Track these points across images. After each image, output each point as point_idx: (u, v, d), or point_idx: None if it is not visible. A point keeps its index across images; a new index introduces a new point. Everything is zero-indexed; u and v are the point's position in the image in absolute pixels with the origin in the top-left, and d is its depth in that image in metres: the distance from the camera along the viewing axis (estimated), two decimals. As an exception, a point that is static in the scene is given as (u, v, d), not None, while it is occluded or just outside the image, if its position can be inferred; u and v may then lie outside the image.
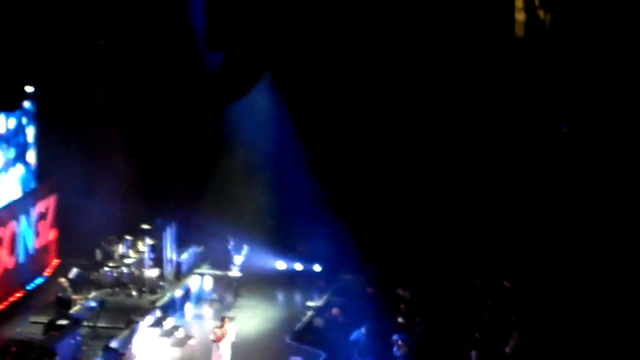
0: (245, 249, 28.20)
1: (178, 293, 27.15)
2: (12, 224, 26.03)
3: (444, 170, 32.05)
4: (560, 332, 24.77)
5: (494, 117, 31.18)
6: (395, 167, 32.25)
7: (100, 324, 24.32)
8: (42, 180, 27.66)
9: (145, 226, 27.32)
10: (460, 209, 31.71)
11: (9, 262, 25.88)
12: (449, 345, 25.28)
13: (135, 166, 29.21)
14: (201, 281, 28.35)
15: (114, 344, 22.00)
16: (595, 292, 26.68)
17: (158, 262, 27.12)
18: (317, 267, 30.09)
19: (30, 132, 27.09)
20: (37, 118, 27.20)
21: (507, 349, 24.07)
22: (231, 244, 28.17)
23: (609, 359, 23.35)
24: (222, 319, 23.43)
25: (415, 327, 26.10)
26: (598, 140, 30.12)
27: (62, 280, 25.12)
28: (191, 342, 24.86)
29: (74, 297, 24.91)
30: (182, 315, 26.83)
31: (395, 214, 32.05)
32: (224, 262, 28.36)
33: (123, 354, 22.32)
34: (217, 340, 22.75)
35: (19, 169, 26.66)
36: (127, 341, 23.66)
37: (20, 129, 26.61)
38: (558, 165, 30.99)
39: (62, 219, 28.32)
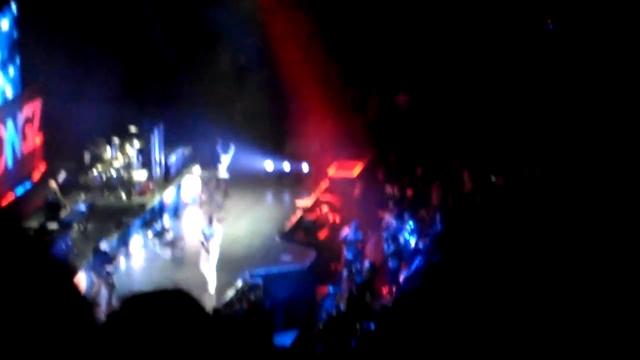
0: (232, 149, 28.19)
1: (167, 195, 27.20)
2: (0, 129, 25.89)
3: (436, 62, 31.99)
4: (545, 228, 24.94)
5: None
6: (385, 57, 32.13)
7: (90, 227, 24.40)
8: (28, 84, 27.42)
9: (133, 128, 27.22)
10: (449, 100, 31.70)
11: (-3, 167, 25.80)
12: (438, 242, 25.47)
13: (122, 68, 28.94)
14: (190, 182, 28.40)
15: (103, 246, 22.05)
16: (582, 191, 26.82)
17: (146, 164, 27.08)
18: (305, 167, 30.10)
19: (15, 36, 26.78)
20: (21, 21, 26.87)
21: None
22: (219, 145, 28.14)
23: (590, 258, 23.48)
24: (210, 220, 23.49)
25: (403, 223, 26.26)
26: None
27: (52, 183, 25.09)
28: (181, 243, 24.99)
29: (63, 201, 24.93)
30: (172, 217, 26.90)
31: (382, 112, 32.02)
32: (213, 164, 28.38)
33: (113, 257, 22.43)
34: (205, 244, 22.83)
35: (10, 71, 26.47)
36: (117, 243, 23.80)
37: (10, 31, 26.30)
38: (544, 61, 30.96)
39: (49, 123, 28.16)
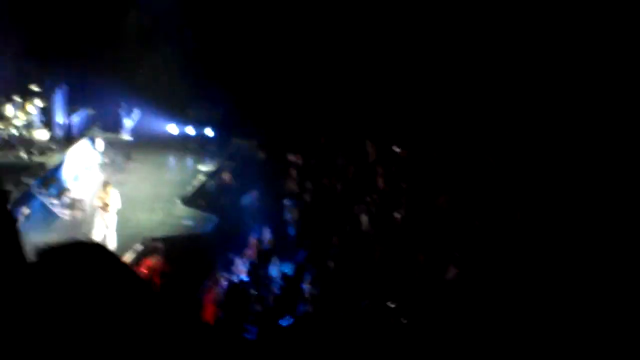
0: (136, 113, 27.97)
1: (68, 156, 26.87)
2: None
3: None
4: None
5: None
6: (284, 31, 32.09)
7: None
8: None
9: (34, 87, 26.80)
10: (351, 70, 31.80)
11: None
12: (339, 210, 25.67)
13: (25, 24, 28.44)
14: (92, 144, 28.10)
15: None
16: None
17: (48, 124, 26.70)
18: (209, 132, 30.01)
19: None
20: None
21: (396, 215, 24.54)
22: (122, 108, 27.90)
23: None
24: (105, 185, 23.15)
25: (305, 192, 26.41)
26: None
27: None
28: (80, 204, 24.74)
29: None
30: (72, 178, 26.61)
31: (288, 80, 32.00)
32: (115, 126, 28.13)
33: (15, 219, 22.07)
34: (103, 207, 22.60)
35: None
36: (16, 202, 23.46)
37: None
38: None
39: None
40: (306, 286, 22.30)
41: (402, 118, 29.82)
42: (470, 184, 25.80)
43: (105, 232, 22.70)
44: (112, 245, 22.67)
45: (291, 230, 25.34)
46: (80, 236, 22.48)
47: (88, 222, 23.78)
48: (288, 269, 24.02)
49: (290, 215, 25.51)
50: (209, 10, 31.06)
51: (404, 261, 22.43)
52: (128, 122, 27.90)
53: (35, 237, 23.49)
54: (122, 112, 27.91)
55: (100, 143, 28.23)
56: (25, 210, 23.51)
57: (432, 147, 28.14)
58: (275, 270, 23.45)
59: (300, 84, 31.89)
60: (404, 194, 25.19)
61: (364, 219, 24.50)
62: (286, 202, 25.81)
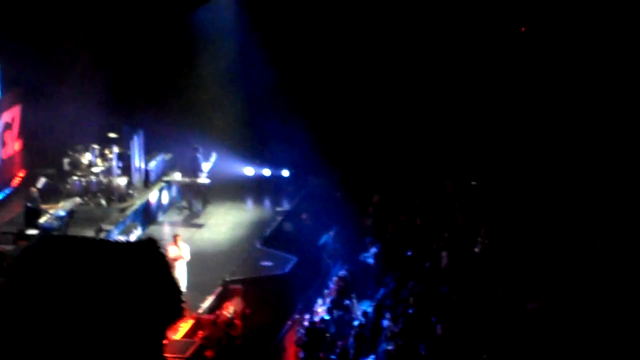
0: (213, 156, 28.16)
1: (146, 201, 27.13)
2: (-22, 135, 25.82)
3: (413, 73, 31.96)
4: (527, 232, 25.05)
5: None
6: (362, 68, 32.09)
7: (69, 233, 24.27)
8: (7, 90, 27.33)
9: (112, 134, 27.14)
10: (427, 109, 31.69)
11: (-23, 174, 25.72)
12: (419, 247, 25.53)
13: (102, 74, 28.82)
14: (170, 189, 28.36)
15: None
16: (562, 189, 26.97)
17: (126, 170, 27.00)
18: (285, 172, 30.08)
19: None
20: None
21: (476, 249, 24.34)
22: (199, 152, 28.11)
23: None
24: (175, 237, 23.02)
25: (385, 231, 26.33)
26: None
27: (33, 189, 25.03)
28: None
29: (43, 206, 24.85)
30: (151, 223, 26.85)
31: (365, 118, 31.97)
32: (193, 170, 28.33)
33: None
34: (174, 259, 22.43)
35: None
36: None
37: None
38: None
39: (28, 130, 28.08)
40: (387, 324, 22.17)
41: (479, 152, 29.62)
42: (547, 215, 25.50)
43: (181, 278, 22.61)
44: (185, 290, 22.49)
45: (370, 269, 25.25)
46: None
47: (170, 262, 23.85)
48: (368, 307, 23.92)
49: (369, 253, 25.44)
50: (282, 49, 31.23)
51: (484, 295, 22.20)
52: (205, 166, 28.08)
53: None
54: (199, 155, 28.10)
55: (177, 188, 28.48)
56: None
57: (507, 180, 27.93)
58: (355, 308, 23.38)
59: (376, 121, 31.83)
60: (482, 228, 24.98)
61: (444, 254, 24.33)
62: (365, 240, 25.76)
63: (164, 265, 2.52)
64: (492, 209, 26.23)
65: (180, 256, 22.42)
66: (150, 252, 2.50)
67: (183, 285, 22.24)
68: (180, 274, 22.32)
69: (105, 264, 2.41)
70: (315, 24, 31.37)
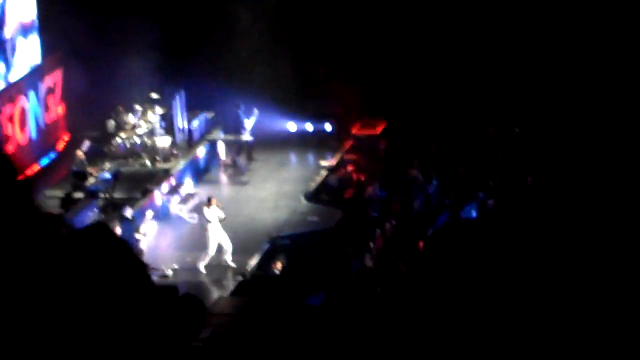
0: (255, 113, 28.15)
1: (191, 159, 27.21)
2: (22, 100, 25.99)
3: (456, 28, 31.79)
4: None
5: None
6: (404, 16, 31.93)
7: (116, 195, 24.46)
8: (48, 54, 27.46)
9: (154, 95, 27.19)
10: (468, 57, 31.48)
11: (22, 139, 25.93)
12: (464, 195, 25.44)
13: (142, 35, 28.80)
14: (214, 147, 28.41)
15: (129, 213, 22.09)
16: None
17: (169, 130, 27.07)
18: (327, 126, 30.01)
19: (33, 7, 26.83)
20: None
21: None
22: (242, 109, 28.11)
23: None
24: (209, 200, 22.88)
25: (428, 180, 26.22)
26: None
27: (78, 153, 25.19)
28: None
29: (88, 169, 25.02)
30: (197, 182, 26.95)
31: (408, 68, 31.80)
32: (235, 127, 28.36)
33: (140, 224, 22.48)
34: (210, 221, 22.43)
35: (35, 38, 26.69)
36: (144, 210, 23.86)
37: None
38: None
39: (71, 93, 28.23)
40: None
41: (521, 99, 29.39)
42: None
43: (219, 242, 22.57)
44: (228, 252, 22.53)
45: (416, 219, 25.20)
46: (205, 237, 22.67)
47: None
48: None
49: (415, 204, 25.38)
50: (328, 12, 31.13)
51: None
52: (248, 123, 28.08)
53: (165, 242, 23.90)
54: (241, 112, 28.09)
55: (221, 145, 28.52)
56: (153, 217, 23.86)
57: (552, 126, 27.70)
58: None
59: (418, 71, 31.66)
60: (527, 174, 24.85)
61: (490, 202, 24.24)
62: (413, 190, 25.67)
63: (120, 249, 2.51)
64: (536, 155, 26.03)
65: (215, 218, 22.42)
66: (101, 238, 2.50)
67: (227, 244, 22.46)
68: (218, 236, 22.40)
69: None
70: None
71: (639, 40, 29.54)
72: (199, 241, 22.82)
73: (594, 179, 24.45)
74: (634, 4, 29.82)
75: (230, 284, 21.67)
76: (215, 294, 21.17)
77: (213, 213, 22.43)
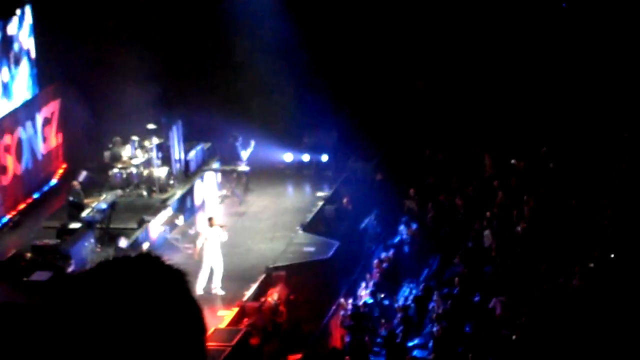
0: (252, 144, 28.18)
1: (188, 191, 27.21)
2: (18, 131, 26.01)
3: (449, 52, 31.91)
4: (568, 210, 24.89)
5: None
6: (397, 52, 32.08)
7: (112, 226, 24.43)
8: (45, 85, 27.52)
9: (151, 126, 27.22)
10: (464, 89, 31.60)
11: (17, 169, 25.94)
12: (461, 227, 25.45)
13: (139, 68, 28.86)
14: (210, 178, 28.41)
15: (124, 243, 22.09)
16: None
17: (166, 160, 27.08)
18: (324, 157, 30.03)
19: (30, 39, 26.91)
20: (37, 22, 26.97)
21: (518, 228, 24.21)
22: (239, 140, 28.13)
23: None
24: (210, 220, 23.19)
25: (425, 211, 26.25)
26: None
27: (74, 183, 25.19)
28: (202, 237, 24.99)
29: (85, 200, 25.00)
30: (193, 213, 26.94)
31: (403, 100, 31.92)
32: (232, 158, 28.38)
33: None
34: (210, 241, 22.65)
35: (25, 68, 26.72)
36: (140, 240, 23.84)
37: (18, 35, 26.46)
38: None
39: (68, 124, 28.26)
40: (432, 305, 22.12)
41: (518, 129, 29.43)
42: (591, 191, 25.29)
43: (212, 265, 22.70)
44: (218, 277, 22.62)
45: (413, 250, 25.20)
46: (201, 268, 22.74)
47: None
48: (413, 288, 23.89)
49: (411, 235, 25.39)
50: (320, 32, 31.22)
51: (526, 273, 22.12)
52: (245, 154, 28.10)
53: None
54: (238, 144, 28.11)
55: (218, 176, 28.53)
56: (147, 247, 23.83)
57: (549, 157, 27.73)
58: (399, 291, 23.35)
59: (414, 102, 31.78)
60: (524, 207, 24.83)
61: (487, 234, 24.22)
62: (407, 222, 25.69)
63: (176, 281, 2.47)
64: (532, 186, 26.03)
65: (214, 239, 22.60)
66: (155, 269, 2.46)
67: (219, 268, 22.56)
68: (216, 257, 22.58)
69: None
70: (353, 4, 31.42)
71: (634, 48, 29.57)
72: (194, 272, 22.79)
73: (591, 210, 24.45)
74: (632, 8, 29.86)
75: (227, 315, 21.62)
76: (211, 325, 21.08)
77: (213, 233, 22.51)
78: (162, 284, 2.41)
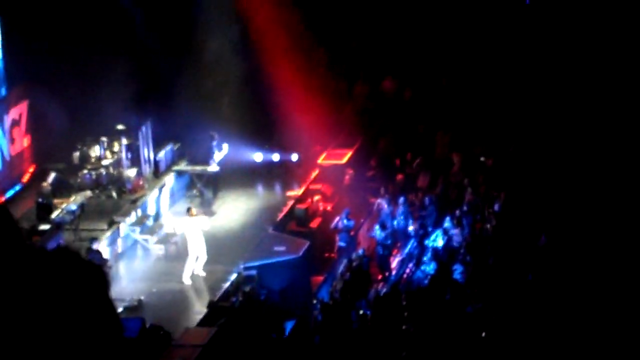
0: (225, 147, 28.19)
1: (158, 191, 27.17)
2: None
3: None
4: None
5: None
6: (371, 43, 32.25)
7: (82, 227, 24.37)
8: (13, 86, 27.37)
9: (120, 126, 27.16)
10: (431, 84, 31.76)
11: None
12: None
13: (107, 67, 28.73)
14: (180, 178, 28.37)
15: (96, 245, 22.06)
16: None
17: (135, 161, 27.04)
18: (294, 157, 30.04)
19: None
20: (4, 23, 26.82)
21: (488, 226, 24.34)
22: (215, 140, 28.09)
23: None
24: (189, 210, 24.02)
25: (396, 208, 26.31)
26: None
27: (44, 184, 25.09)
28: (173, 238, 25.00)
29: (54, 201, 24.91)
30: (163, 213, 26.90)
31: (371, 97, 32.03)
32: (204, 158, 28.33)
33: (107, 258, 22.44)
34: (191, 231, 23.38)
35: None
36: (110, 241, 23.80)
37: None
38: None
39: (36, 125, 28.12)
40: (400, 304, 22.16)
41: (487, 126, 29.55)
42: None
43: (198, 255, 23.14)
44: (203, 274, 23.01)
45: (383, 250, 25.26)
46: (173, 271, 22.83)
47: (183, 255, 24.05)
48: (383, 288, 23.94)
49: (382, 233, 25.45)
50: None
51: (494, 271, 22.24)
52: (218, 155, 28.07)
53: (132, 274, 23.83)
54: (214, 143, 28.09)
55: (188, 177, 28.50)
56: (119, 249, 23.83)
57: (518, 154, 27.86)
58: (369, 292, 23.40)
59: (381, 101, 31.87)
60: (493, 204, 24.96)
61: (456, 232, 24.33)
62: (378, 219, 25.75)
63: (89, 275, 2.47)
64: (501, 184, 26.14)
65: (196, 228, 23.36)
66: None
67: (203, 254, 23.43)
68: (200, 245, 23.34)
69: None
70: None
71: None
72: (165, 272, 22.87)
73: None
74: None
75: (198, 315, 21.61)
76: (182, 325, 21.08)
77: (194, 222, 23.22)
78: (78, 280, 2.39)
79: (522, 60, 30.94)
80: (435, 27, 32.08)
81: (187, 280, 23.23)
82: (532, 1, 32.20)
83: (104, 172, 26.57)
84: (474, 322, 20.49)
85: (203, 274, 23.51)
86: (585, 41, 29.93)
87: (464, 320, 20.66)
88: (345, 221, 25.26)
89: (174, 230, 25.01)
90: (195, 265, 23.42)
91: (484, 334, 20.03)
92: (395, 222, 25.75)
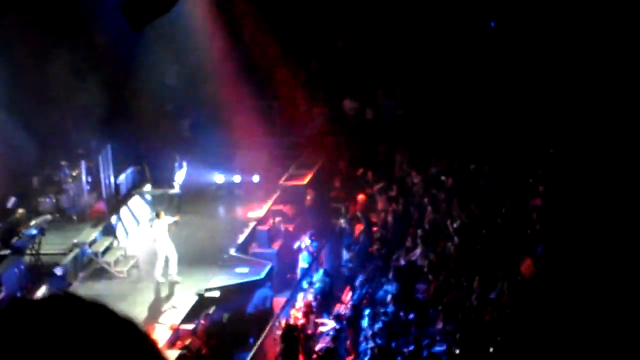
0: (184, 166, 28.17)
1: (119, 214, 27.08)
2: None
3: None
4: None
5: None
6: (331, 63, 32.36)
7: (42, 251, 24.23)
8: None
9: (80, 150, 27.09)
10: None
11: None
12: (392, 245, 25.58)
13: (66, 91, 28.61)
14: (141, 201, 28.30)
15: (58, 270, 21.98)
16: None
17: (96, 185, 26.96)
18: (255, 178, 30.04)
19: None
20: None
21: (450, 244, 24.40)
22: (177, 162, 28.08)
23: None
24: (157, 214, 24.40)
25: (357, 229, 26.38)
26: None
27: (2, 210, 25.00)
28: (135, 261, 24.94)
29: (15, 226, 24.76)
30: (125, 236, 26.80)
31: (332, 118, 32.15)
32: (166, 180, 28.30)
33: (69, 280, 22.34)
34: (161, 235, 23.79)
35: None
36: (71, 265, 23.69)
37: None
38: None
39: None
40: (365, 326, 22.20)
41: (446, 144, 29.69)
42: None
43: (166, 254, 23.64)
44: (174, 264, 23.63)
45: (346, 270, 25.32)
46: (135, 293, 22.74)
47: (144, 277, 24.05)
48: (345, 308, 23.96)
49: (346, 254, 25.53)
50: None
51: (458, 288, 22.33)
52: (178, 176, 28.06)
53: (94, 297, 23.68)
54: (176, 166, 28.07)
55: (149, 199, 28.45)
56: (81, 274, 23.72)
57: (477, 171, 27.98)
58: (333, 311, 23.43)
59: (342, 122, 31.99)
60: (454, 223, 25.04)
61: (417, 252, 24.41)
62: (349, 245, 25.78)
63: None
64: (461, 203, 26.21)
65: (164, 231, 23.78)
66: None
67: (173, 257, 23.80)
68: (169, 246, 23.76)
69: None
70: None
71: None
72: (128, 295, 22.79)
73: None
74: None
75: (161, 338, 21.55)
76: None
77: (163, 224, 23.61)
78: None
79: (481, 78, 31.17)
80: (397, 45, 32.24)
81: (160, 278, 23.59)
82: (496, 25, 32.42)
83: (64, 196, 26.47)
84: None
85: (178, 279, 23.69)
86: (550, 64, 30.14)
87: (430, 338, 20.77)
88: (308, 241, 25.27)
89: (152, 239, 24.77)
90: (167, 266, 23.62)
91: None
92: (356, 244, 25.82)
